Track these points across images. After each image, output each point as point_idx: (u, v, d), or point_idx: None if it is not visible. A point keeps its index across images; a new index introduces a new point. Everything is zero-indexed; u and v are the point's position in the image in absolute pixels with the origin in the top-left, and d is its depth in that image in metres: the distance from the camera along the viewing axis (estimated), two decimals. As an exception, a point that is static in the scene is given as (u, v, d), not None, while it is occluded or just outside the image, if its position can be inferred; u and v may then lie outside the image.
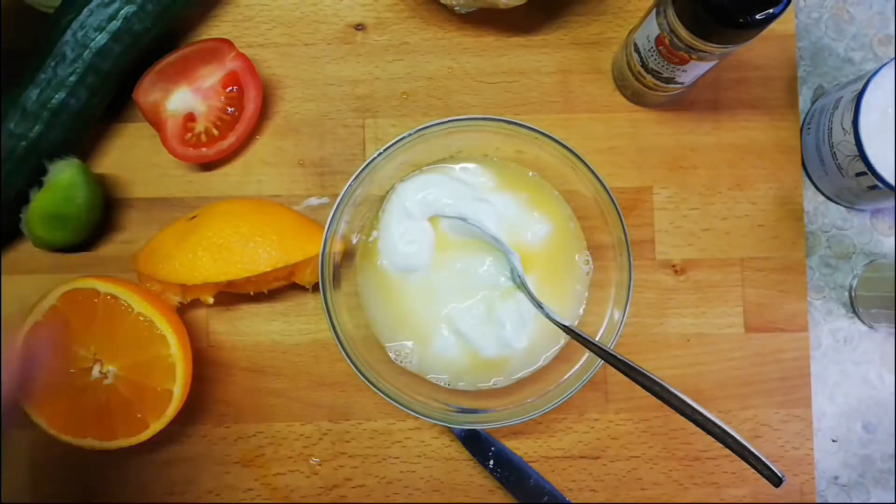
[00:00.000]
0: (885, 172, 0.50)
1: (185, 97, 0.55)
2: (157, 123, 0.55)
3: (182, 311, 0.55)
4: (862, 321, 0.56)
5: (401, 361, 0.52)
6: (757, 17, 0.42)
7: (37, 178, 0.53)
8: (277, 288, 0.55)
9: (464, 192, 0.51)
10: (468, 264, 0.51)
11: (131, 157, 0.57)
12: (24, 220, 0.53)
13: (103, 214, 0.55)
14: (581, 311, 0.53)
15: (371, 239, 0.53)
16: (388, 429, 0.56)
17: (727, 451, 0.41)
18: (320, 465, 0.56)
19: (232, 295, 0.55)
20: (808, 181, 0.58)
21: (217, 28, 0.58)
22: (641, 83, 0.53)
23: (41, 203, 0.52)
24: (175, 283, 0.51)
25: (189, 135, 0.55)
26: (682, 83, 0.51)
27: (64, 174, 0.52)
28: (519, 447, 0.56)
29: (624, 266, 0.50)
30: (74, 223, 0.53)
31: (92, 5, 0.51)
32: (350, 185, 0.49)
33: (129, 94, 0.54)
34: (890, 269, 0.53)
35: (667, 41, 0.47)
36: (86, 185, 0.53)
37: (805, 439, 0.56)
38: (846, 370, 0.57)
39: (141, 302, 0.49)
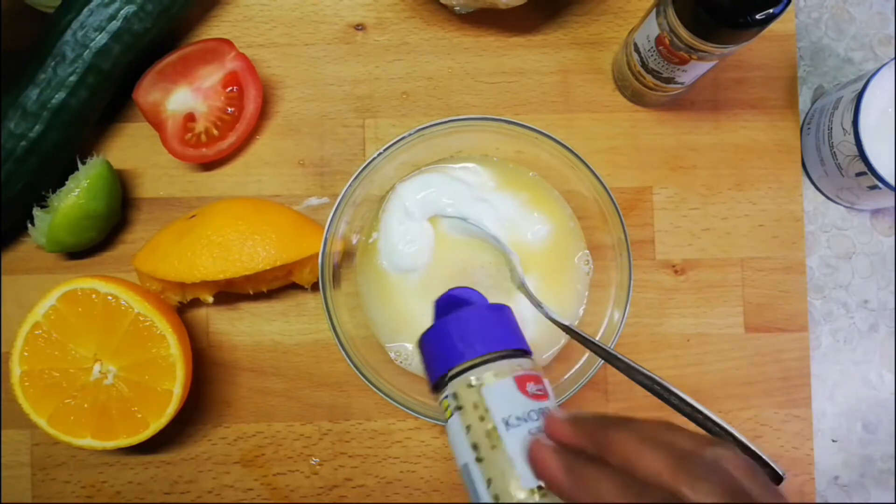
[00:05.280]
0: (885, 172, 0.50)
1: (185, 97, 0.55)
2: (157, 123, 0.55)
3: (182, 310, 0.55)
4: None
5: (401, 362, 0.52)
6: (757, 17, 0.42)
7: (46, 183, 0.53)
8: (277, 288, 0.55)
9: (464, 191, 0.51)
10: (468, 264, 0.51)
11: (131, 158, 0.57)
12: (42, 227, 0.52)
13: (123, 212, 0.56)
14: (581, 311, 0.53)
15: (371, 239, 0.53)
16: (388, 429, 0.56)
17: (727, 451, 0.41)
18: (320, 465, 0.56)
19: (232, 295, 0.55)
20: (808, 181, 0.58)
21: (217, 28, 0.58)
22: (641, 83, 0.53)
23: (72, 207, 0.52)
24: (174, 281, 0.51)
25: (189, 135, 0.55)
26: (682, 83, 0.51)
27: (97, 174, 0.52)
28: (519, 447, 0.55)
29: (624, 266, 0.50)
30: (102, 223, 0.54)
31: (92, 5, 0.51)
32: (350, 185, 0.49)
33: (129, 94, 0.54)
34: None
35: (667, 41, 0.47)
36: (116, 183, 0.54)
37: (805, 439, 0.56)
38: (846, 370, 0.57)
39: (141, 302, 0.49)
